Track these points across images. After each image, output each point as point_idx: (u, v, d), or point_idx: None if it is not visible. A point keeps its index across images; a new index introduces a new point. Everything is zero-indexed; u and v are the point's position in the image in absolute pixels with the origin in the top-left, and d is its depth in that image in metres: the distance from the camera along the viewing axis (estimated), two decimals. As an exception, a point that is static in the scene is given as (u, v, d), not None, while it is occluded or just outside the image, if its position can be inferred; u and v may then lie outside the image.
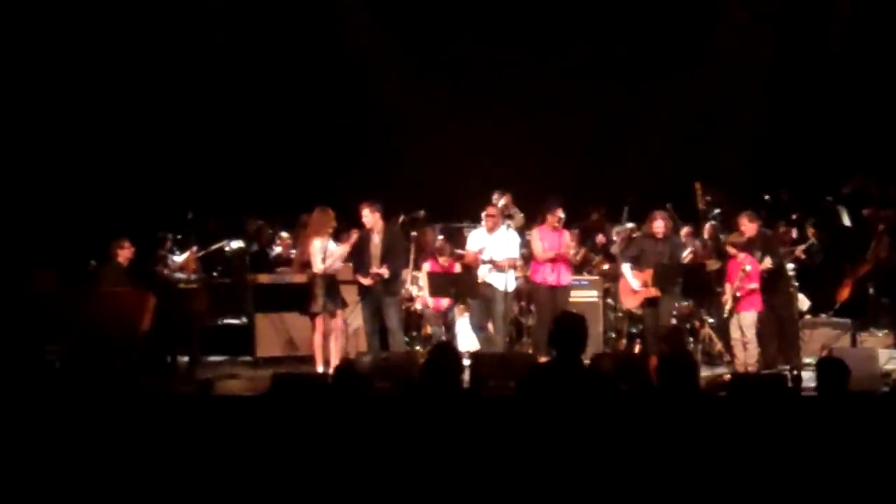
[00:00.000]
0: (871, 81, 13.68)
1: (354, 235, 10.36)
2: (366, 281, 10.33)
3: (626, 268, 10.65)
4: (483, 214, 10.90)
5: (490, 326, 10.81)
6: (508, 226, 10.94)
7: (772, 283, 10.44)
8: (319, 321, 10.28)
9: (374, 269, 10.30)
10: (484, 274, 10.66)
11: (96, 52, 13.29)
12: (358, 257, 10.40)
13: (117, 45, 13.45)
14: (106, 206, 12.83)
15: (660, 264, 10.43)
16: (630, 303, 10.79)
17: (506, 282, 10.63)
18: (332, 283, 10.31)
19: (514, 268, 10.81)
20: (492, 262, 10.61)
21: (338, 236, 10.63)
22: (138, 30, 13.56)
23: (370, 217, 10.40)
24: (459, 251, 11.02)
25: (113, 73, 13.47)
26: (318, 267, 10.18)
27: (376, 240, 10.42)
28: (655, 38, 14.21)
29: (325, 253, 10.20)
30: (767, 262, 10.29)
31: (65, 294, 10.43)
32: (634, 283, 10.51)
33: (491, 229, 10.78)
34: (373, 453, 5.42)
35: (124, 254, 10.46)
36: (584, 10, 14.13)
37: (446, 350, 5.79)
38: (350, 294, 10.66)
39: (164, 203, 12.83)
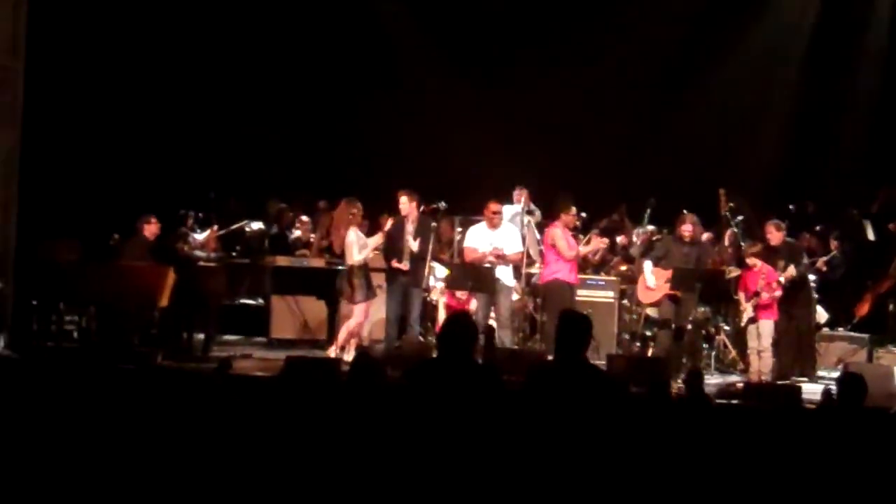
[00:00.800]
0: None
1: (389, 222, 10.38)
2: (403, 266, 10.35)
3: (647, 264, 10.64)
4: (488, 209, 10.71)
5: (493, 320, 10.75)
6: (529, 221, 10.90)
7: (793, 293, 10.41)
8: (362, 309, 10.33)
9: (411, 245, 10.31)
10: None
11: (127, 33, 13.33)
12: (392, 244, 10.41)
13: (147, 25, 13.49)
14: (131, 182, 12.90)
15: (678, 268, 10.42)
16: (647, 298, 10.72)
17: (512, 277, 10.64)
18: (368, 272, 10.38)
19: (532, 263, 10.82)
20: (502, 256, 10.55)
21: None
22: (169, 11, 13.60)
23: (407, 205, 10.42)
24: (467, 246, 10.95)
25: (142, 54, 13.52)
26: (355, 258, 10.24)
27: (410, 228, 10.43)
28: (688, 41, 14.12)
29: (361, 243, 10.26)
30: (791, 271, 10.25)
31: (86, 266, 10.52)
32: (651, 279, 10.50)
33: (495, 226, 10.75)
34: (384, 440, 5.44)
35: (151, 229, 10.56)
36: (618, 10, 14.05)
37: (460, 320, 5.61)
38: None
39: (188, 181, 12.90)
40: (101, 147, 13.19)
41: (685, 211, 10.80)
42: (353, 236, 10.29)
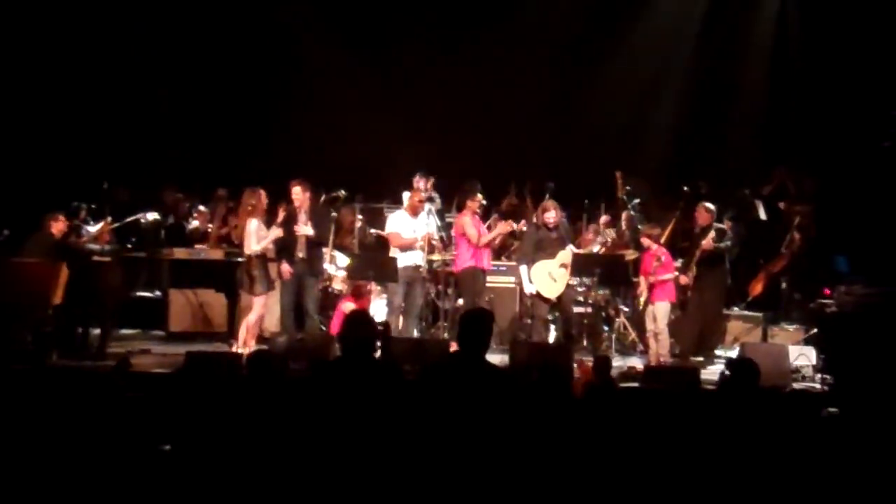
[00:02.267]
0: (795, 76, 13.89)
1: (283, 214, 10.22)
2: (286, 273, 10.25)
3: (523, 270, 10.70)
4: (413, 198, 10.77)
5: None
6: (430, 210, 10.90)
7: (709, 273, 10.57)
8: (261, 302, 10.14)
9: (305, 233, 10.23)
10: (413, 256, 10.62)
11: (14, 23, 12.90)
12: (285, 238, 10.26)
13: (32, 10, 13.06)
14: (18, 174, 12.48)
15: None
16: (553, 292, 10.71)
17: (424, 264, 10.65)
18: (266, 263, 10.23)
19: (442, 250, 10.89)
20: (430, 241, 10.54)
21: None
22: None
23: (301, 195, 10.30)
24: (378, 232, 10.92)
25: (32, 42, 13.08)
26: (253, 248, 10.04)
27: (303, 218, 10.32)
28: (583, 25, 14.25)
29: (261, 234, 10.07)
30: (710, 239, 10.39)
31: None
32: (529, 286, 10.60)
33: (416, 212, 10.74)
34: (287, 433, 5.42)
35: (58, 227, 10.23)
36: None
37: (359, 320, 5.70)
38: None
39: (79, 172, 12.52)
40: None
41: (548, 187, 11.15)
42: (254, 226, 10.10)
